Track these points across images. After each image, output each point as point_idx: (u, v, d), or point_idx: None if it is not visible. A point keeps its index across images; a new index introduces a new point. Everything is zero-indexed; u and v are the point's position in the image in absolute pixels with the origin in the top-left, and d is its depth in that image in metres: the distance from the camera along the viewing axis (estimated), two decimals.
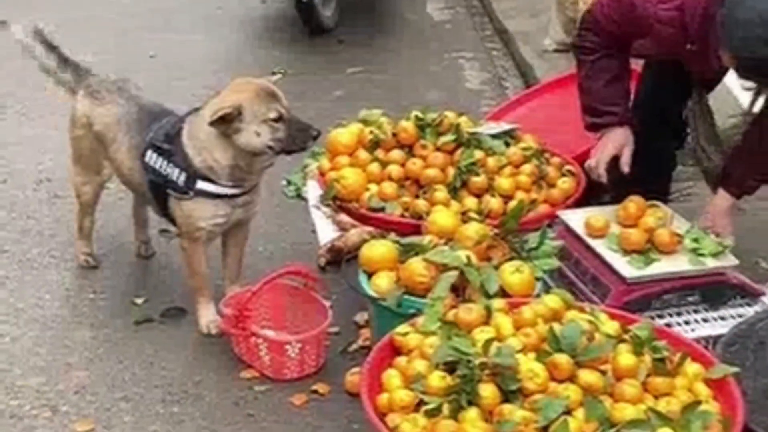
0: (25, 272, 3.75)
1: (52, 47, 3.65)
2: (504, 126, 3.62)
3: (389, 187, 3.33)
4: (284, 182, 4.40)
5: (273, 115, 3.10)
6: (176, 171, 3.20)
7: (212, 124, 3.09)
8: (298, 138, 3.14)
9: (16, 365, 3.22)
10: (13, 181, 4.45)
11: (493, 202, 3.26)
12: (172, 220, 3.36)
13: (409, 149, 3.43)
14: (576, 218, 3.18)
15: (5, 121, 5.13)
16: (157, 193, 3.31)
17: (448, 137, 3.40)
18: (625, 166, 3.31)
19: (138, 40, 6.37)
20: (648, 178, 3.42)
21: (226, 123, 3.08)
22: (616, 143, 3.33)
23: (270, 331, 3.20)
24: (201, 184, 3.18)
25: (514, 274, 2.80)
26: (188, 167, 3.18)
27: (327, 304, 3.21)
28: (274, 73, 5.54)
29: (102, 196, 3.78)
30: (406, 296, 2.82)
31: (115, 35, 6.40)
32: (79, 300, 3.59)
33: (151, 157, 3.27)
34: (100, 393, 3.09)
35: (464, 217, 3.13)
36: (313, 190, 4.21)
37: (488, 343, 2.37)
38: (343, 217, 3.83)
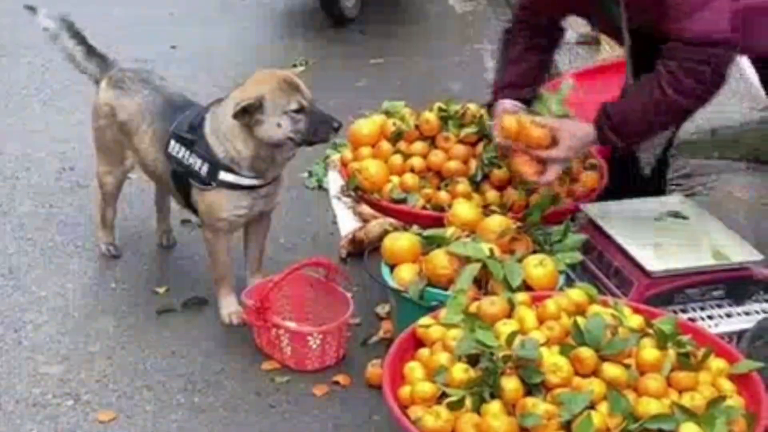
0: (47, 261, 3.77)
1: (77, 35, 3.65)
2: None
3: (411, 179, 3.31)
4: (305, 173, 4.40)
5: (294, 106, 3.10)
6: (199, 162, 3.21)
7: (235, 116, 3.09)
8: (319, 129, 3.14)
9: (38, 353, 3.24)
10: (36, 170, 4.47)
11: (515, 196, 3.25)
12: (195, 211, 3.37)
13: (431, 141, 3.43)
14: (599, 211, 3.16)
15: (29, 110, 5.15)
16: (180, 183, 3.31)
17: (471, 129, 3.38)
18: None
19: (159, 31, 6.38)
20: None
21: (248, 115, 3.08)
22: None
23: (291, 322, 3.20)
24: (223, 175, 3.19)
25: (538, 267, 2.79)
26: (211, 158, 3.18)
27: (348, 295, 3.21)
28: (295, 65, 5.53)
29: (124, 186, 3.79)
30: (428, 288, 2.82)
31: (135, 27, 6.41)
32: (101, 289, 3.61)
33: (174, 147, 3.27)
34: (122, 382, 3.10)
35: (486, 210, 3.13)
36: (334, 181, 4.21)
37: (512, 336, 2.37)
38: (364, 208, 3.83)
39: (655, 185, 3.51)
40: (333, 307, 3.21)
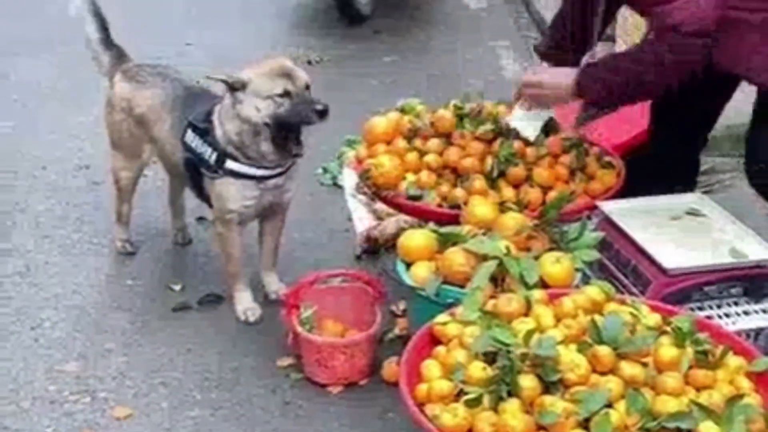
0: (64, 258, 3.78)
1: (100, 22, 3.65)
2: (542, 114, 3.56)
3: (427, 176, 3.31)
4: (320, 170, 4.40)
5: (278, 90, 3.12)
6: (209, 150, 3.23)
7: (221, 81, 3.17)
8: (301, 111, 3.13)
9: (55, 350, 3.25)
10: (52, 168, 4.49)
11: (532, 193, 3.24)
12: (210, 204, 3.38)
13: (447, 138, 3.42)
14: (616, 209, 3.15)
15: (46, 108, 5.17)
16: (193, 173, 3.33)
17: (487, 126, 3.38)
18: None
19: (174, 28, 6.39)
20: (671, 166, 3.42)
21: (234, 92, 3.14)
22: None
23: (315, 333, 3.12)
24: (230, 164, 3.21)
25: (554, 264, 2.78)
26: (217, 145, 3.21)
27: (379, 315, 3.13)
28: (310, 62, 5.54)
29: (140, 183, 3.80)
30: (444, 286, 2.81)
31: (151, 24, 6.42)
32: (117, 286, 3.62)
33: (189, 136, 3.29)
34: (138, 379, 3.11)
35: (502, 208, 3.12)
36: (349, 178, 4.20)
37: (529, 333, 2.36)
38: (380, 206, 3.82)
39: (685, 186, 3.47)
40: (362, 316, 3.17)
